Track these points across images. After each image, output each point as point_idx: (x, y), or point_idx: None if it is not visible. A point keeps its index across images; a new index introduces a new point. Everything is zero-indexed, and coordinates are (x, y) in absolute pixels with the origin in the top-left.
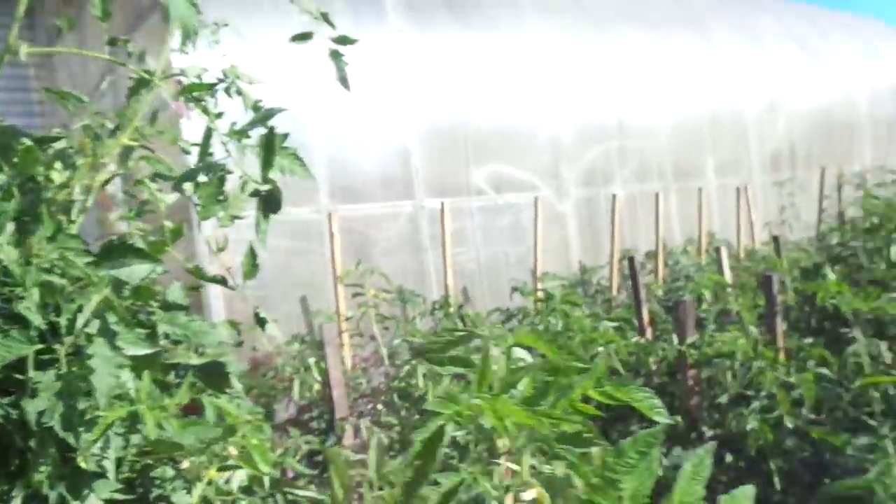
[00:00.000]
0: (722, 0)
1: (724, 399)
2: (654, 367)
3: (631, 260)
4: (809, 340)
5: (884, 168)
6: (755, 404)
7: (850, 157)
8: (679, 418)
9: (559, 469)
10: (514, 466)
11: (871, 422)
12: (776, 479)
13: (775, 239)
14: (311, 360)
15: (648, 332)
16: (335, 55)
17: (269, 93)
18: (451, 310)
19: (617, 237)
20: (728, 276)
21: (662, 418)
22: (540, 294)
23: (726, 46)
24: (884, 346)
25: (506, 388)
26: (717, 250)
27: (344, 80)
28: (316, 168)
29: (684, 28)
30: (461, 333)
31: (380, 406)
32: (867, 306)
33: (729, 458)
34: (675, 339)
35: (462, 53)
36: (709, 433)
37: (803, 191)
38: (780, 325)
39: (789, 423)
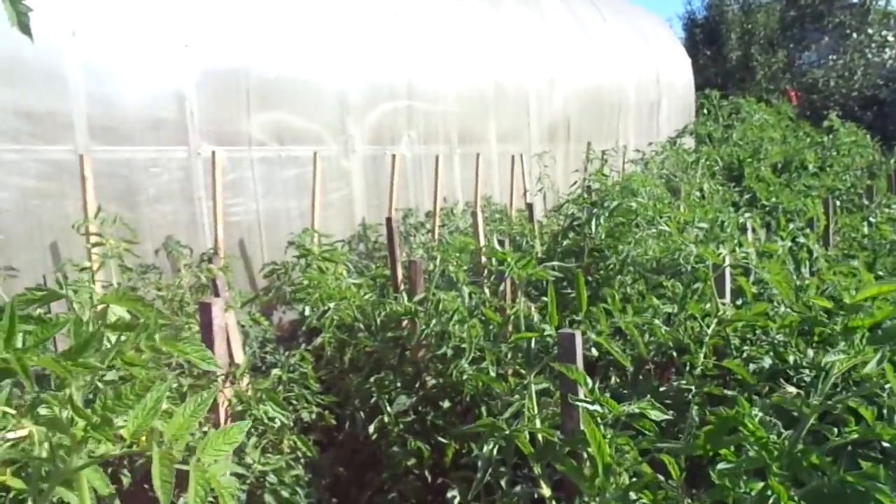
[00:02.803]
0: None
1: (448, 351)
2: (382, 321)
3: (388, 221)
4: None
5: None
6: (469, 356)
7: (617, 133)
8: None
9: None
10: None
11: (522, 370)
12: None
13: (529, 206)
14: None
15: (402, 288)
16: None
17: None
18: (223, 263)
19: (399, 196)
20: (482, 239)
21: (211, 366)
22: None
23: (514, 18)
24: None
25: (84, 346)
26: (473, 215)
27: (24, 28)
28: (73, 102)
29: None
30: (44, 293)
31: None
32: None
33: (447, 403)
34: (406, 296)
35: None
36: (431, 381)
37: (577, 161)
38: (509, 287)
39: (492, 373)
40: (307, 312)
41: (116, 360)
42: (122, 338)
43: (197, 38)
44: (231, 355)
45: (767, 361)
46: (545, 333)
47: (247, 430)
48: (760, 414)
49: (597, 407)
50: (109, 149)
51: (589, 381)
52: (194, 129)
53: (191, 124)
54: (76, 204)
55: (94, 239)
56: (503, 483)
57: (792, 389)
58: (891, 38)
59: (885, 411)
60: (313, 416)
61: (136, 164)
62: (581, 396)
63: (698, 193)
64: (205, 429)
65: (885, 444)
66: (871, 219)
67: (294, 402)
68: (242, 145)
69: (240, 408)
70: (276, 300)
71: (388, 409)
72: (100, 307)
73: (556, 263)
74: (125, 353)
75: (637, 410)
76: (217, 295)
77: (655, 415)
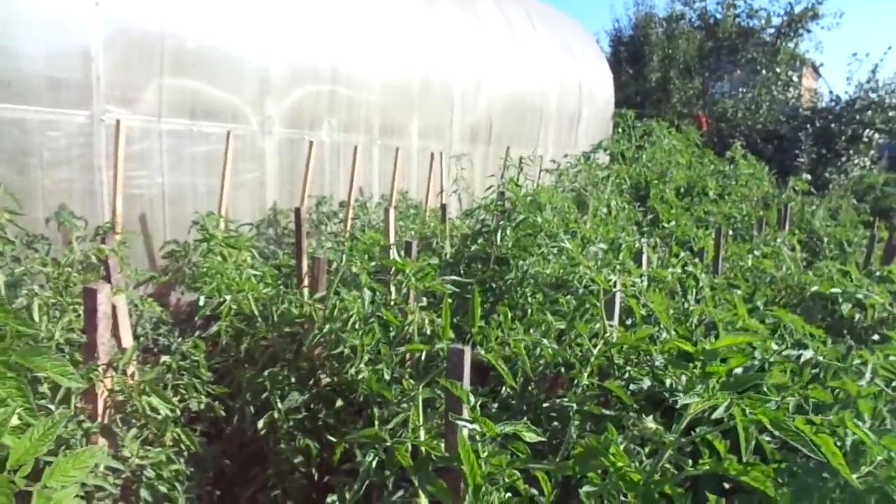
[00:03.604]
0: None
1: (344, 350)
2: (280, 315)
3: (297, 211)
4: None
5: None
6: (366, 357)
7: (537, 140)
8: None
9: None
10: None
11: (410, 381)
12: (377, 424)
13: (443, 207)
14: None
15: (306, 282)
16: None
17: None
18: (118, 237)
19: (314, 183)
20: (393, 237)
21: (73, 382)
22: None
23: (448, 16)
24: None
25: None
26: (386, 211)
27: None
28: None
29: None
30: None
31: None
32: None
33: (340, 402)
34: (307, 293)
35: None
36: (326, 380)
37: (495, 163)
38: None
39: (386, 376)
40: (202, 302)
41: None
42: None
43: None
44: (119, 340)
45: (647, 383)
46: (436, 347)
47: (128, 421)
48: (624, 443)
49: (476, 426)
50: (1, 106)
51: (472, 398)
52: (99, 93)
53: (96, 88)
54: None
55: None
56: (388, 488)
57: (651, 425)
58: (795, 79)
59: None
60: (202, 406)
61: (31, 124)
62: (465, 413)
63: (605, 209)
64: (81, 418)
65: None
66: (755, 252)
67: (183, 390)
68: (151, 115)
69: (121, 398)
70: (174, 281)
71: (280, 404)
72: None
73: (453, 278)
74: None
75: (513, 431)
76: (108, 276)
77: (530, 437)
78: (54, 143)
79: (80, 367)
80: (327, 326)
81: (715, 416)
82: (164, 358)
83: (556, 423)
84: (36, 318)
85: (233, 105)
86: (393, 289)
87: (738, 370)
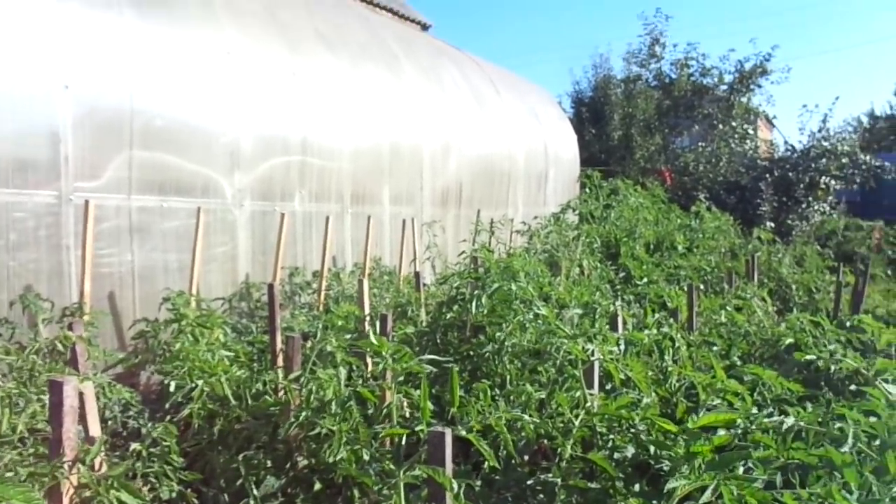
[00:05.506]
0: (412, 45)
1: (322, 432)
2: (254, 397)
3: (270, 287)
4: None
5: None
6: (343, 437)
7: (507, 201)
8: None
9: None
10: None
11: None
12: None
13: (417, 275)
14: None
15: (280, 360)
16: None
17: None
18: (86, 318)
19: (287, 253)
20: (367, 307)
21: None
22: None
23: (414, 86)
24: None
25: None
26: (360, 282)
27: None
28: None
29: (378, 61)
30: None
31: None
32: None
33: (318, 485)
34: (281, 373)
35: (138, 39)
36: (303, 462)
37: (467, 226)
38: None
39: (366, 456)
40: (172, 388)
41: None
42: None
43: (78, 80)
44: (86, 429)
45: (631, 451)
46: (416, 429)
47: None
48: None
49: None
50: None
51: (455, 485)
52: (67, 173)
53: (64, 168)
54: None
55: None
56: None
57: None
58: (751, 131)
59: None
60: (174, 494)
61: None
62: (448, 501)
63: (578, 269)
64: None
65: None
66: (727, 306)
67: (153, 479)
68: (121, 193)
69: (88, 494)
70: (145, 361)
71: (255, 491)
72: None
73: (430, 357)
74: None
75: None
76: (75, 363)
77: None
78: (21, 224)
79: (44, 464)
80: (303, 414)
81: (703, 500)
82: (134, 445)
83: (541, 496)
84: None
85: (203, 179)
86: (370, 361)
87: (722, 433)
